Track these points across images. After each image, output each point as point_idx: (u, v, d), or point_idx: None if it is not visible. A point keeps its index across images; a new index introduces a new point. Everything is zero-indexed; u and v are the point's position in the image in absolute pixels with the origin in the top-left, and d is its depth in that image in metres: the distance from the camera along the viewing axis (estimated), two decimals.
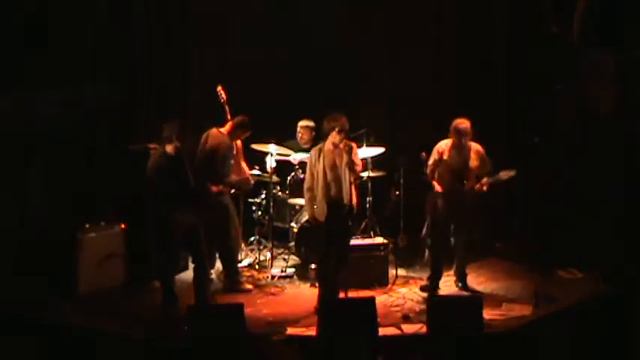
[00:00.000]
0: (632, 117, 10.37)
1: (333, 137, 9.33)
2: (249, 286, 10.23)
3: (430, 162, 9.77)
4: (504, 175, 9.68)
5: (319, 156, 9.40)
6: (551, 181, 10.78)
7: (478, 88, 11.29)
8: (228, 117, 10.22)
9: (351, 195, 9.29)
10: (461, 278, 10.08)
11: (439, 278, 9.94)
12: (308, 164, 9.57)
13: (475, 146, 9.76)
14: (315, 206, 9.36)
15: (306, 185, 9.52)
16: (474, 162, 9.72)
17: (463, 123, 9.62)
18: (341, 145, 9.31)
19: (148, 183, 9.14)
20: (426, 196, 9.88)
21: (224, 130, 10.10)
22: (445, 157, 9.71)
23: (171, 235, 9.11)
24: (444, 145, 9.76)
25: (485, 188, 9.69)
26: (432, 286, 9.88)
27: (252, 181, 10.54)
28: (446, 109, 11.07)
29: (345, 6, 11.84)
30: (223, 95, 10.33)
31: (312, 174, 9.44)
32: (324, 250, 9.39)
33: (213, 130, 10.10)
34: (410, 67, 11.71)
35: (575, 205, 10.75)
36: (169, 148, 9.13)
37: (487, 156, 9.77)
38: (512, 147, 11.10)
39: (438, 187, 9.71)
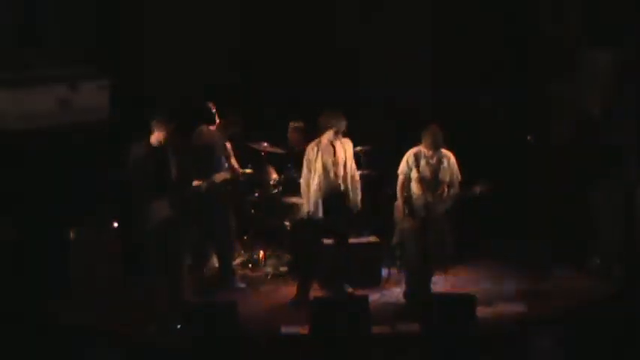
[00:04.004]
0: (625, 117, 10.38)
1: (329, 135, 9.40)
2: (243, 285, 10.24)
3: (400, 173, 9.40)
4: (478, 189, 9.28)
5: (317, 151, 9.47)
6: (546, 180, 10.77)
7: (473, 88, 11.28)
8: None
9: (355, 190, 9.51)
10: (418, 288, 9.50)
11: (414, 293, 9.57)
12: (305, 160, 9.58)
13: (446, 154, 9.34)
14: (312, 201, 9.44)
15: (303, 181, 9.55)
16: (444, 172, 9.29)
17: (437, 134, 9.16)
18: (337, 144, 9.42)
19: (130, 174, 9.12)
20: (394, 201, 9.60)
21: (214, 127, 10.09)
22: (414, 168, 9.28)
23: (148, 227, 9.06)
24: (413, 155, 9.32)
25: (453, 199, 9.33)
26: (409, 300, 9.56)
27: (242, 178, 10.50)
28: (442, 109, 11.13)
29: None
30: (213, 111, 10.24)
31: (309, 169, 9.49)
32: (312, 246, 9.63)
33: (205, 128, 10.08)
34: (405, 66, 11.70)
35: (570, 204, 10.76)
36: (154, 140, 9.10)
37: (459, 164, 9.39)
38: (507, 146, 11.09)
39: (399, 211, 9.40)
